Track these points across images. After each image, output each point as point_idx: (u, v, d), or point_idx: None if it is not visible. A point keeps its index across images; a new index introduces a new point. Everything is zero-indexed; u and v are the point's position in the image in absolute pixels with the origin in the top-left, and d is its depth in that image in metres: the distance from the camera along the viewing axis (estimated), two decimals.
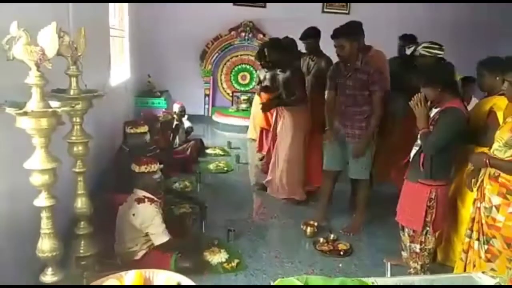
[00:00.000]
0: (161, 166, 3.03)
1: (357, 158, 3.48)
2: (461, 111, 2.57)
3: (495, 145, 2.38)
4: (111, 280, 1.27)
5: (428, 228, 2.69)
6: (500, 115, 2.65)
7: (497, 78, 2.71)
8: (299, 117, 4.16)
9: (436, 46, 3.64)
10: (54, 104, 1.88)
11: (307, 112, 4.19)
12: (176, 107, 5.81)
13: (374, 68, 3.32)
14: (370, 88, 3.33)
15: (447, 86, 2.60)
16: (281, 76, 4.25)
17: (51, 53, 1.77)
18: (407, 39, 4.37)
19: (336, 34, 3.34)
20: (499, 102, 2.69)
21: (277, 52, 4.19)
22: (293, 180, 4.26)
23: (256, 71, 6.72)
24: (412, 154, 2.80)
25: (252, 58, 6.84)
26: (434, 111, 2.68)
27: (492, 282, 1.45)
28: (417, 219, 2.68)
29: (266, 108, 4.67)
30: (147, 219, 2.77)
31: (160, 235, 2.81)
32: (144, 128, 4.12)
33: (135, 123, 4.16)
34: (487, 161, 2.36)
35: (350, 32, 3.35)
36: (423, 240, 2.72)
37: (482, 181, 2.49)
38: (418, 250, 2.75)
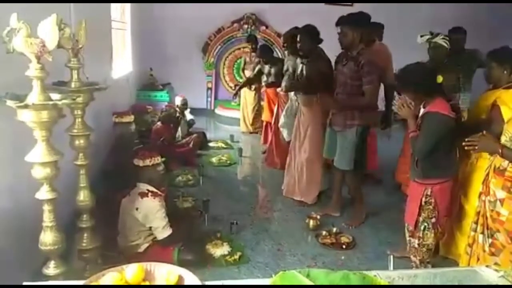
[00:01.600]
0: (163, 159, 3.02)
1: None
2: (441, 114, 2.49)
3: (502, 139, 2.34)
4: (111, 273, 1.26)
5: (425, 224, 2.68)
6: (503, 109, 2.60)
7: (505, 71, 2.65)
8: (316, 110, 3.98)
9: (448, 39, 3.66)
10: (55, 96, 1.87)
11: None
12: (178, 100, 5.81)
13: (366, 59, 3.29)
14: (362, 79, 3.32)
15: (427, 88, 2.55)
16: (305, 66, 4.00)
17: (51, 45, 1.76)
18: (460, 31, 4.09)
19: (340, 22, 3.37)
20: (503, 96, 2.64)
21: (311, 41, 3.93)
22: (311, 182, 4.08)
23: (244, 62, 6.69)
24: None
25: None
26: (422, 110, 2.63)
27: (495, 275, 1.43)
28: (411, 215, 2.70)
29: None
30: (150, 213, 2.78)
31: (162, 230, 2.82)
32: (129, 118, 4.20)
33: (121, 113, 4.23)
34: (501, 150, 2.31)
35: (354, 21, 3.35)
36: (421, 235, 2.71)
37: (488, 174, 2.47)
38: (416, 246, 2.75)
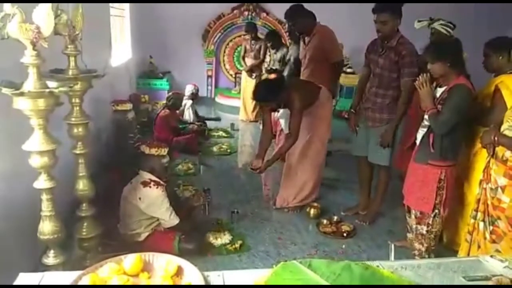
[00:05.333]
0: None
1: (381, 146, 3.29)
2: (468, 87, 2.51)
3: (505, 125, 2.32)
4: (110, 264, 1.25)
5: (436, 211, 2.66)
6: (505, 93, 2.59)
7: (501, 57, 2.68)
8: (319, 106, 3.61)
9: (452, 26, 3.56)
10: (52, 84, 1.83)
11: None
12: (190, 88, 5.89)
13: (408, 50, 3.07)
14: (400, 71, 3.11)
15: (456, 61, 2.54)
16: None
17: (47, 31, 1.72)
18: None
19: (381, 9, 3.09)
20: (506, 80, 2.63)
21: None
22: (318, 182, 3.81)
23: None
24: (419, 136, 2.75)
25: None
26: (439, 90, 2.62)
27: (500, 265, 1.42)
28: (427, 201, 2.65)
29: None
30: (153, 203, 2.76)
31: (170, 220, 2.82)
32: (127, 106, 4.23)
33: (119, 101, 4.28)
34: (495, 138, 2.31)
35: (395, 8, 3.09)
36: (430, 222, 2.69)
37: (489, 162, 2.45)
38: (424, 232, 2.73)
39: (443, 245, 3.06)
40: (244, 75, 6.63)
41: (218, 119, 6.54)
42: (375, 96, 3.29)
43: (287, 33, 4.87)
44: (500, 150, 2.38)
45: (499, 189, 2.38)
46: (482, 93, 2.82)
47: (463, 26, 6.35)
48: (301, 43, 4.14)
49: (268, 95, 3.34)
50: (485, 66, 2.84)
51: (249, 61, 6.44)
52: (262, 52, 6.33)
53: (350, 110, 3.58)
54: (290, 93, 3.35)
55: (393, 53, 3.12)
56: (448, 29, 3.55)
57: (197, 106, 6.52)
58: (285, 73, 4.92)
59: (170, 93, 5.59)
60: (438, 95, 2.61)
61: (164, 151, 2.89)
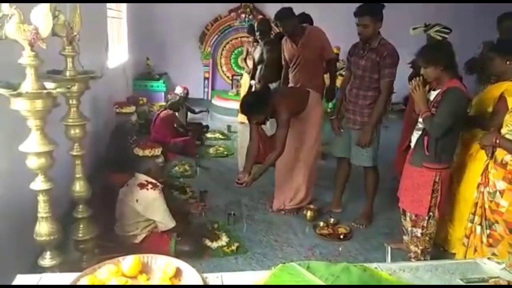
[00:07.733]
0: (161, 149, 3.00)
1: (361, 147, 3.34)
2: (462, 90, 2.52)
3: (504, 130, 2.34)
4: (108, 265, 1.24)
5: (431, 213, 2.67)
6: (510, 101, 2.58)
7: (508, 62, 2.62)
8: (311, 109, 3.59)
9: (447, 31, 3.57)
10: (49, 85, 1.83)
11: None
12: (179, 90, 5.80)
13: (390, 51, 3.13)
14: (381, 72, 3.16)
15: (449, 65, 2.56)
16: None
17: (45, 32, 1.72)
18: None
19: (362, 12, 3.13)
20: (510, 88, 2.61)
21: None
22: (312, 184, 3.81)
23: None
24: (413, 138, 2.77)
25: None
26: (433, 93, 2.64)
27: (498, 267, 1.42)
28: (422, 204, 2.66)
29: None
30: (150, 205, 2.75)
31: (166, 222, 2.81)
32: (130, 109, 4.26)
33: (122, 103, 4.31)
34: (496, 140, 2.32)
35: (376, 12, 3.14)
36: (424, 225, 2.70)
37: (488, 165, 2.46)
38: (419, 235, 2.74)
39: (435, 244, 3.07)
40: (245, 76, 6.56)
41: (206, 110, 6.59)
42: (356, 98, 3.34)
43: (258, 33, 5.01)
44: (499, 153, 2.39)
45: (498, 193, 2.39)
46: (483, 97, 2.82)
47: (463, 26, 6.43)
48: (286, 44, 4.12)
49: (253, 108, 3.31)
50: (489, 68, 2.84)
51: (251, 63, 6.42)
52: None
53: (333, 113, 3.62)
54: (277, 104, 3.32)
55: (374, 54, 3.17)
56: (444, 35, 3.57)
57: (193, 107, 6.52)
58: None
59: (172, 94, 5.59)
60: (432, 98, 2.62)
61: (157, 151, 2.88)
